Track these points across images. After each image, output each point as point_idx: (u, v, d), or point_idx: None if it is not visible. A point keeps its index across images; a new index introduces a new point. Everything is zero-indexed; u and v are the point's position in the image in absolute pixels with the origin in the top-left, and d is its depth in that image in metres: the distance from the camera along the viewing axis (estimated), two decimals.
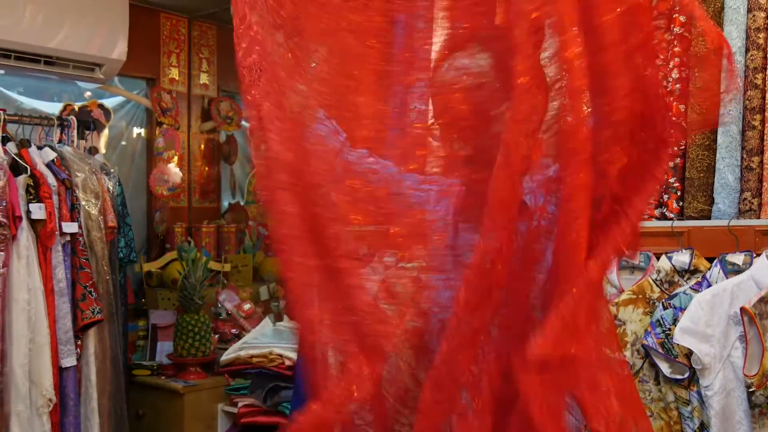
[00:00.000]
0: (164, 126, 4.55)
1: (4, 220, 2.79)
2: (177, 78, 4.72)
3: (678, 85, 2.44)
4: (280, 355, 3.47)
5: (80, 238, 3.09)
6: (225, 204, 5.08)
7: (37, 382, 2.84)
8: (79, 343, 3.06)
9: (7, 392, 2.80)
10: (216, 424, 3.69)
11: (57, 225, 2.99)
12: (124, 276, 3.61)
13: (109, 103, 4.46)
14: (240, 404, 3.56)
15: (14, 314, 2.81)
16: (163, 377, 3.74)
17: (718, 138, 2.34)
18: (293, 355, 3.38)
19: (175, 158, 4.54)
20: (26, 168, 2.99)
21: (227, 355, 3.61)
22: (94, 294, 3.06)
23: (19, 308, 2.82)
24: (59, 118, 3.44)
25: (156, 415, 3.62)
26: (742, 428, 2.04)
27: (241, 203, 5.12)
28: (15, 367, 2.79)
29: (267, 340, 3.61)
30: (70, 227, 3.04)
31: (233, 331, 3.99)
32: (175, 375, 3.73)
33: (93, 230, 3.16)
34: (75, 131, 3.42)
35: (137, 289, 4.25)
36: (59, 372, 2.96)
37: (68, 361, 2.98)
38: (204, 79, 4.88)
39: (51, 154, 3.14)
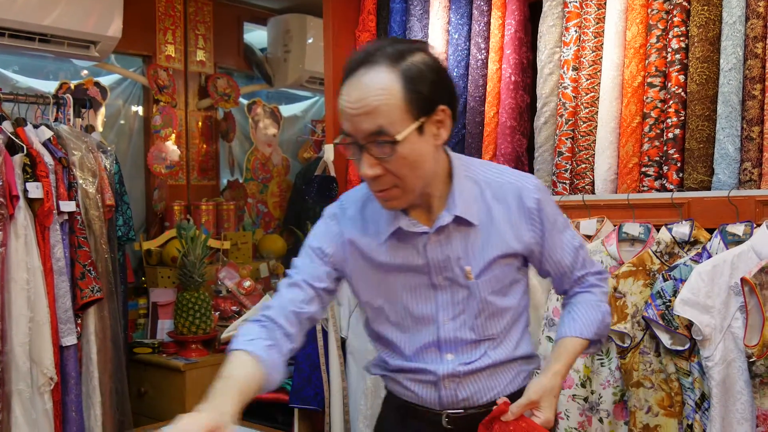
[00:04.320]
0: (161, 103, 4.53)
1: (1, 200, 2.78)
2: (173, 55, 4.68)
3: (678, 56, 2.42)
4: None
5: (78, 217, 3.08)
6: (224, 181, 5.06)
7: (37, 361, 2.85)
8: (79, 321, 3.06)
9: (8, 371, 2.80)
10: None
11: (54, 204, 2.98)
12: (123, 254, 3.60)
13: (106, 81, 4.43)
14: None
15: (13, 294, 2.81)
16: (164, 355, 3.74)
17: (718, 108, 2.32)
18: None
19: (173, 136, 4.51)
20: (22, 147, 2.97)
21: (228, 332, 3.62)
22: (93, 273, 3.05)
23: (18, 288, 2.82)
24: (55, 96, 3.42)
25: (157, 393, 3.63)
26: (743, 398, 2.05)
27: (240, 181, 5.10)
28: (15, 347, 2.80)
29: None
30: (67, 206, 3.03)
31: (233, 308, 3.99)
32: (176, 352, 3.74)
33: (91, 209, 3.15)
34: (71, 109, 3.39)
35: (137, 267, 4.25)
36: (60, 351, 2.96)
37: (69, 340, 2.98)
38: (200, 56, 4.84)
39: (47, 133, 3.12)
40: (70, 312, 2.99)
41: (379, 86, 1.37)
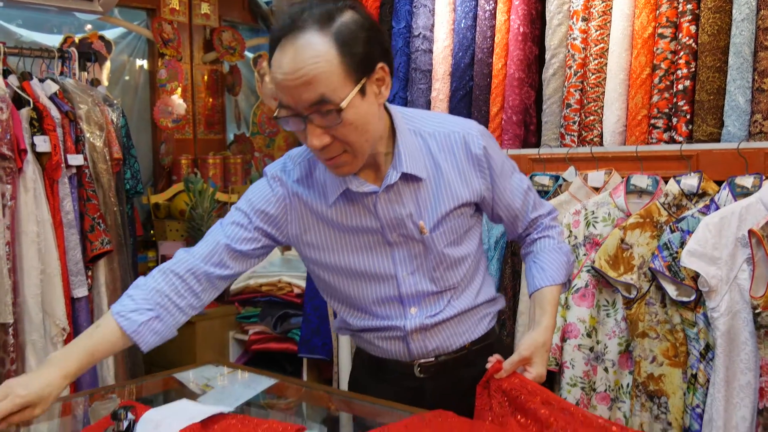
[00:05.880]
0: (166, 57, 4.50)
1: (9, 153, 2.79)
2: (177, 8, 4.64)
3: (689, 6, 2.39)
4: (289, 283, 3.51)
5: (86, 170, 3.09)
6: (230, 135, 5.06)
7: (50, 313, 2.89)
8: (90, 274, 3.09)
9: (21, 322, 2.84)
10: (227, 351, 3.75)
11: (62, 157, 2.98)
12: (131, 208, 3.62)
13: (110, 34, 4.40)
14: (250, 332, 3.62)
15: (24, 246, 2.83)
16: None
17: (730, 59, 2.30)
18: (302, 283, 3.42)
19: (179, 90, 4.50)
20: (29, 101, 2.97)
21: (237, 284, 3.65)
22: (102, 225, 3.07)
23: (28, 240, 2.84)
24: (60, 50, 3.40)
25: (168, 344, 3.65)
26: (747, 348, 2.07)
27: (247, 134, 5.09)
28: (28, 298, 2.83)
29: (276, 269, 3.64)
30: (75, 159, 3.03)
31: None
32: None
33: (98, 162, 3.16)
34: (76, 63, 3.38)
35: (145, 220, 4.28)
36: (71, 302, 3.00)
37: (80, 292, 3.01)
38: (205, 8, 4.80)
39: (53, 87, 3.11)
40: (80, 264, 3.02)
41: (313, 54, 1.30)
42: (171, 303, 1.53)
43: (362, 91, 1.36)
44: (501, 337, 1.77)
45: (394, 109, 1.54)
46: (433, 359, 1.62)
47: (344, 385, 3.09)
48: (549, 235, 1.71)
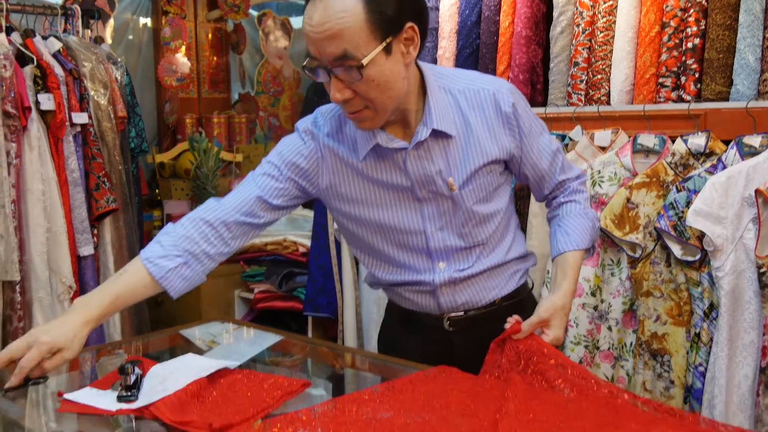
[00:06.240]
0: (170, 15, 4.46)
1: (14, 111, 2.78)
2: None
3: None
4: (294, 242, 3.52)
5: (91, 129, 3.08)
6: (235, 94, 5.03)
7: (56, 270, 2.90)
8: (96, 232, 3.10)
9: (28, 280, 2.86)
10: (233, 310, 3.78)
11: (67, 115, 2.97)
12: (136, 166, 3.62)
13: None
14: (256, 290, 3.64)
15: (30, 204, 2.84)
16: None
17: (740, 17, 2.27)
18: (307, 242, 3.43)
19: (183, 48, 4.46)
20: (32, 58, 2.94)
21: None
22: (107, 184, 3.08)
23: (34, 198, 2.84)
24: (63, 7, 3.36)
25: (174, 303, 3.68)
26: (751, 308, 2.07)
27: (251, 93, 5.07)
28: (34, 256, 2.85)
29: (281, 228, 3.66)
30: (79, 117, 3.02)
31: None
32: None
33: (103, 120, 3.15)
34: (80, 21, 3.35)
35: (150, 179, 4.28)
36: (78, 260, 3.02)
37: (86, 250, 3.03)
38: None
39: (57, 44, 3.09)
40: (86, 222, 3.03)
41: (340, 8, 1.32)
42: (200, 250, 1.53)
43: (388, 50, 1.37)
44: (532, 294, 1.78)
45: (425, 66, 1.54)
46: (462, 313, 1.64)
47: (349, 342, 3.11)
48: (575, 200, 1.71)
